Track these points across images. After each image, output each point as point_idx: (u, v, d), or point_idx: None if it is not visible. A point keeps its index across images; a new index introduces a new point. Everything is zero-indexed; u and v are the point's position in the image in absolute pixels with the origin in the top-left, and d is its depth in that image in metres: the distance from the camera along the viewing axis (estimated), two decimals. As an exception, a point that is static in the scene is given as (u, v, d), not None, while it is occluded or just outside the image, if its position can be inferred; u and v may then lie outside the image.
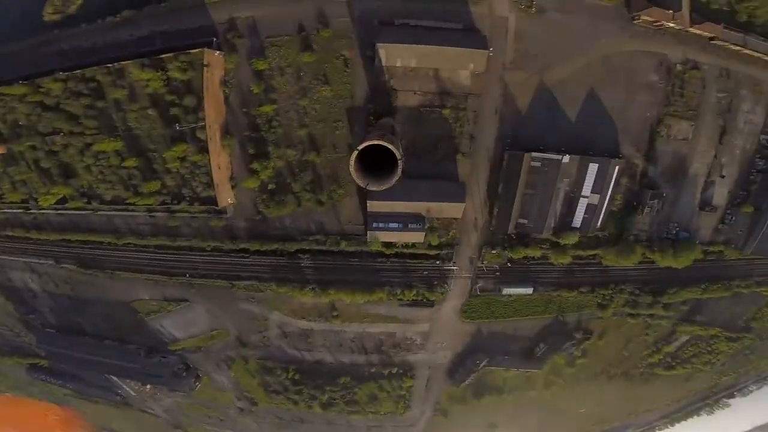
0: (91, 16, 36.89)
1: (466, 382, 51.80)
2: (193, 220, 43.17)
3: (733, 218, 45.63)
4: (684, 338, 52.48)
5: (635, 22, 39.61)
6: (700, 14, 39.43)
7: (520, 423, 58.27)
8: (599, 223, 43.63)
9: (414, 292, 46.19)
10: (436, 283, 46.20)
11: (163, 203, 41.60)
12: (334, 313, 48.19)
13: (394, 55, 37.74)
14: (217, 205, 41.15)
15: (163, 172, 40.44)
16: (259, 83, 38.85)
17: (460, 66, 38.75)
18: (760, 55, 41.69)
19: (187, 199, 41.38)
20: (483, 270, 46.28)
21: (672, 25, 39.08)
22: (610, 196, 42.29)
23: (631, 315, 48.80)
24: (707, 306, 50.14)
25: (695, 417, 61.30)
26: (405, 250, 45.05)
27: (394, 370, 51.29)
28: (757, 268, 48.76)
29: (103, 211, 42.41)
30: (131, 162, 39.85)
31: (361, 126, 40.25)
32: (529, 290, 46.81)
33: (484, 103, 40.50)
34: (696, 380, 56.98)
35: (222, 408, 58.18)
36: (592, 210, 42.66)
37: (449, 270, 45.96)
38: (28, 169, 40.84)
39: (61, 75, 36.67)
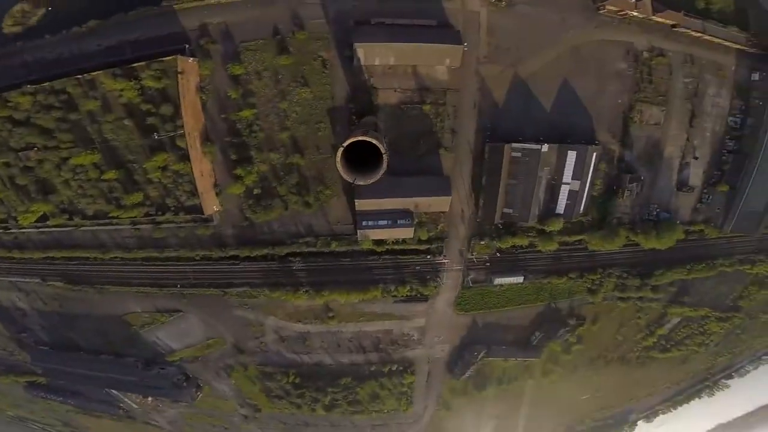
0: (55, 27, 33.24)
1: (466, 375, 48.50)
2: (179, 230, 39.39)
3: (710, 197, 43.83)
4: (675, 320, 49.96)
5: (600, 12, 37.90)
6: (662, 2, 38.02)
7: (523, 413, 54.73)
8: (582, 209, 41.51)
9: (407, 287, 43.16)
10: (428, 277, 43.25)
11: (147, 215, 37.78)
12: (330, 314, 44.57)
13: (372, 54, 35.29)
14: (202, 214, 37.60)
15: (144, 183, 36.70)
16: (236, 88, 35.70)
17: (437, 62, 36.52)
18: (719, 40, 40.22)
19: (172, 209, 37.66)
20: (473, 261, 43.49)
21: (635, 13, 37.50)
22: (590, 181, 40.22)
23: (621, 299, 46.34)
24: (694, 287, 47.91)
25: (697, 400, 57.98)
26: (396, 247, 42.07)
27: (394, 367, 47.82)
28: (737, 246, 46.64)
29: (86, 226, 38.40)
30: (111, 174, 35.93)
31: (344, 126, 37.33)
32: (520, 279, 44.14)
33: (462, 97, 38.09)
34: (692, 362, 54.35)
35: (226, 416, 53.51)
36: (573, 196, 40.47)
37: (440, 263, 43.12)
38: (4, 187, 36.77)
39: (29, 88, 32.88)
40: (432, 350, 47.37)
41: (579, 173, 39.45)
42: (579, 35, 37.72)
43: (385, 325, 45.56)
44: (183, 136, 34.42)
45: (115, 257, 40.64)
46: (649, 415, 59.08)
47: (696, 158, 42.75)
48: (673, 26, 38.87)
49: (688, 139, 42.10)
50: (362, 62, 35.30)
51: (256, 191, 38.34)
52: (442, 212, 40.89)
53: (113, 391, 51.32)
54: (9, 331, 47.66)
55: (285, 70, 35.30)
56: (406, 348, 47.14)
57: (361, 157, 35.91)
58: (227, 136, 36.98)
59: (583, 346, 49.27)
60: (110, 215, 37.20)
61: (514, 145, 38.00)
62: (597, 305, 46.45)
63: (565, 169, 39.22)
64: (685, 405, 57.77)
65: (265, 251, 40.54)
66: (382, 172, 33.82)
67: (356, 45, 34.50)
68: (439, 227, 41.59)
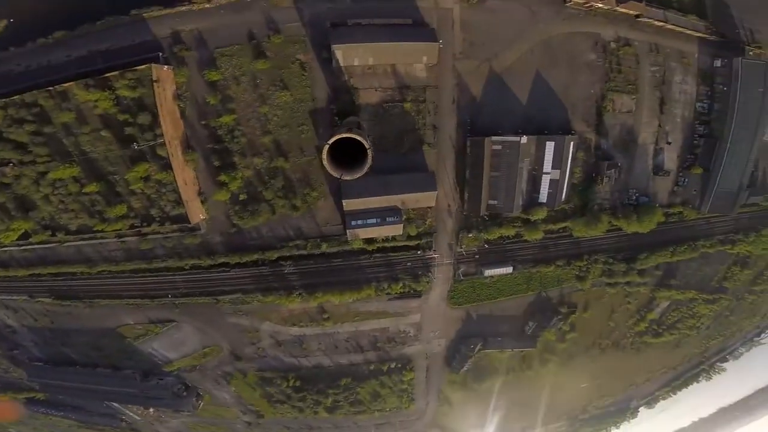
0: (19, 39, 28.83)
1: (465, 368, 43.98)
2: (166, 240, 34.75)
3: (686, 180, 40.65)
4: (664, 304, 46.14)
5: (567, 4, 35.09)
6: (625, -6, 35.06)
7: (524, 404, 49.59)
8: (563, 197, 38.25)
9: (400, 284, 39.04)
10: (420, 273, 39.23)
11: (132, 227, 33.24)
12: (325, 316, 39.98)
13: (351, 55, 31.88)
14: (189, 223, 33.25)
15: (127, 194, 32.21)
16: (214, 94, 31.68)
17: (414, 60, 33.12)
18: (681, 29, 37.65)
19: (157, 219, 33.19)
20: (463, 254, 39.60)
21: (600, 5, 34.86)
22: (570, 170, 37.12)
23: (609, 284, 42.61)
24: (679, 269, 44.34)
25: (695, 384, 53.40)
26: (386, 245, 38.06)
27: (393, 365, 43.17)
28: (717, 227, 43.37)
29: (70, 242, 33.54)
30: (92, 187, 31.42)
31: (327, 127, 33.54)
32: (509, 269, 40.26)
33: (441, 93, 34.73)
34: (685, 346, 50.24)
35: (229, 424, 47.80)
36: (555, 185, 37.30)
37: (431, 258, 39.11)
38: (-18, 207, 32.17)
39: (-2, 102, 28.76)
40: (429, 345, 42.98)
41: (558, 163, 36.48)
42: (548, 28, 34.79)
43: (381, 323, 41.11)
44: (163, 144, 30.28)
45: (103, 271, 35.74)
46: (650, 401, 54.27)
47: (669, 143, 39.75)
48: (637, 16, 36.23)
49: (660, 125, 39.10)
50: (341, 63, 31.87)
51: (241, 197, 34.15)
52: (429, 207, 37.11)
53: (114, 403, 45.78)
54: (1, 349, 41.86)
55: (263, 74, 31.50)
56: (403, 345, 42.65)
57: (346, 156, 32.80)
58: (209, 143, 32.83)
59: (577, 333, 45.17)
60: (94, 229, 32.64)
61: (494, 138, 34.94)
62: (586, 292, 42.66)
63: (545, 159, 36.27)
64: (685, 390, 53.18)
65: (255, 256, 36.14)
66: (367, 166, 30.95)
67: (334, 46, 31.10)
68: (427, 222, 37.73)
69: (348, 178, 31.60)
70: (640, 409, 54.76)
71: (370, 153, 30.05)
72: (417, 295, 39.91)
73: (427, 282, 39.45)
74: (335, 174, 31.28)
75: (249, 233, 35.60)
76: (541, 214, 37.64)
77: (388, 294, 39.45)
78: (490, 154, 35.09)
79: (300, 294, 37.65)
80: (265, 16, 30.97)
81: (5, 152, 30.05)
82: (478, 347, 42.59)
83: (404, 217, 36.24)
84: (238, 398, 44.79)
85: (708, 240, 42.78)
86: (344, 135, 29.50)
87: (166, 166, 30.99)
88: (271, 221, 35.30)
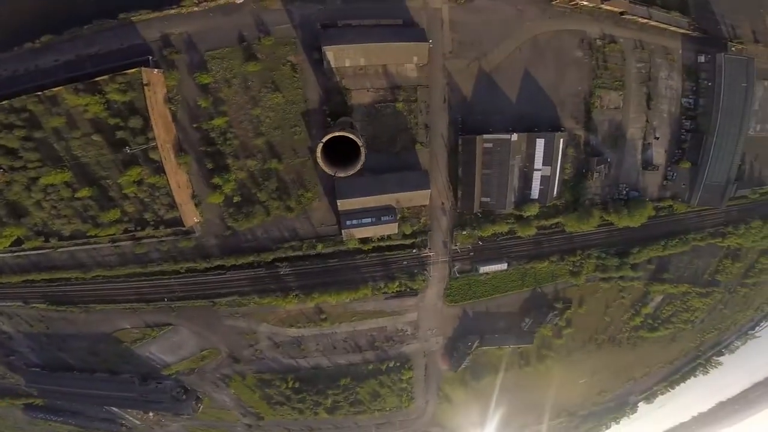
0: (5, 44, 28.02)
1: (463, 366, 43.30)
2: (160, 244, 34.01)
3: (674, 174, 40.72)
4: (658, 298, 45.92)
5: (553, 3, 35.01)
6: (609, -9, 35.26)
7: (523, 401, 48.94)
8: (555, 192, 38.04)
9: (397, 283, 38.51)
10: (416, 271, 38.70)
11: (126, 231, 32.43)
12: (322, 316, 39.26)
13: (342, 56, 31.48)
14: (183, 226, 32.44)
15: (120, 198, 31.42)
16: (206, 97, 31.07)
17: (405, 60, 32.80)
18: (665, 25, 37.78)
19: (151, 223, 32.40)
20: (458, 252, 39.13)
21: (585, 3, 34.81)
22: (560, 166, 36.99)
23: (603, 279, 42.44)
24: (671, 263, 44.28)
25: (693, 379, 53.18)
26: (381, 244, 37.51)
27: (392, 364, 42.45)
28: (707, 220, 43.40)
29: (64, 247, 32.71)
30: (84, 192, 30.64)
31: (319, 128, 33.02)
32: (504, 266, 39.85)
33: (432, 93, 34.38)
34: (681, 340, 50.02)
35: (229, 427, 46.74)
36: (546, 181, 37.14)
37: (426, 256, 38.59)
38: (-28, 214, 31.24)
39: (-14, 108, 27.92)
40: (427, 343, 42.30)
41: (549, 159, 36.30)
42: (535, 26, 34.67)
43: (378, 322, 40.40)
44: (156, 148, 29.60)
45: (98, 276, 34.87)
46: (649, 396, 53.96)
47: (657, 138, 39.77)
48: (622, 13, 36.30)
49: (647, 121, 39.12)
50: (332, 64, 31.44)
51: (235, 199, 33.48)
52: (423, 206, 36.71)
53: (113, 408, 44.50)
54: (-3, 355, 41.13)
55: (254, 76, 30.95)
56: (401, 344, 41.96)
57: (340, 155, 32.65)
58: (201, 146, 32.20)
59: (573, 329, 44.73)
60: (88, 234, 31.78)
61: (486, 136, 34.69)
62: (581, 287, 42.33)
63: (535, 156, 36.15)
64: (683, 384, 52.88)
65: (250, 258, 35.44)
66: (361, 163, 30.79)
67: (325, 48, 30.66)
68: (421, 221, 37.31)
69: (342, 175, 31.35)
70: (639, 404, 54.28)
71: (363, 150, 29.92)
72: (413, 293, 39.34)
73: (423, 280, 38.92)
74: (329, 171, 31.03)
75: (244, 235, 34.91)
76: (533, 211, 37.45)
77: (384, 293, 38.92)
78: (481, 152, 34.83)
79: (297, 295, 36.99)
80: (255, 19, 30.49)
81: (-5, 158, 29.70)
82: (476, 344, 41.99)
83: (399, 215, 35.81)
84: (238, 400, 43.81)
85: (699, 233, 42.74)
86: (337, 133, 29.45)
87: (159, 170, 30.29)
88: (265, 223, 34.65)
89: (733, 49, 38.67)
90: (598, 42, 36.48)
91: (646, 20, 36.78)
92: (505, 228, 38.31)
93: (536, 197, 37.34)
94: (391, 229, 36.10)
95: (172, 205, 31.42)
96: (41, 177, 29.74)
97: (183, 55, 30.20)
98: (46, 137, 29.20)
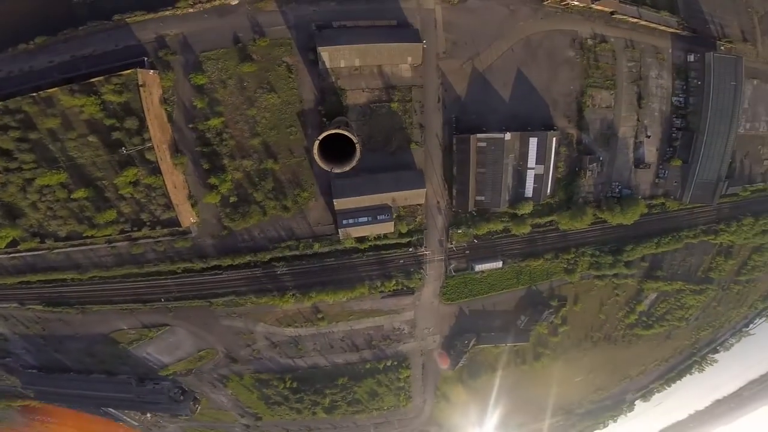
0: None
1: (460, 364, 42.99)
2: (157, 244, 33.63)
3: (666, 172, 40.81)
4: (653, 295, 45.83)
5: (545, 3, 35.18)
6: (599, -9, 35.53)
7: (521, 399, 48.49)
8: (548, 191, 38.11)
9: (393, 282, 38.25)
10: (412, 270, 38.50)
11: (122, 232, 32.17)
12: (319, 316, 38.97)
13: (337, 57, 31.51)
14: (180, 226, 32.27)
15: (116, 199, 31.15)
16: (201, 97, 30.91)
17: (400, 60, 32.82)
18: (655, 25, 37.99)
19: (148, 224, 32.13)
20: (453, 250, 38.97)
21: (576, 2, 35.02)
22: (554, 165, 37.08)
23: (597, 277, 42.37)
24: (665, 261, 44.26)
25: (689, 376, 52.77)
26: (378, 243, 37.29)
27: (389, 363, 42.13)
28: (699, 217, 43.43)
29: (60, 248, 32.28)
30: (80, 193, 30.32)
31: (315, 128, 32.89)
32: (499, 264, 39.78)
33: (427, 93, 34.38)
34: (676, 337, 49.81)
35: (227, 427, 46.25)
36: (539, 180, 37.19)
37: (422, 255, 38.38)
38: (-32, 215, 30.84)
39: (-19, 109, 27.54)
40: (424, 342, 42.06)
41: (542, 158, 36.41)
42: (528, 26, 34.79)
43: (375, 321, 40.16)
44: (152, 149, 29.36)
45: (94, 277, 34.42)
46: (645, 394, 53.71)
47: (648, 136, 39.88)
48: (612, 13, 36.52)
49: (638, 120, 39.19)
50: (327, 65, 31.46)
51: (232, 199, 33.27)
52: (419, 205, 36.61)
53: (110, 409, 43.74)
54: (-8, 357, 40.52)
55: (250, 77, 30.86)
56: (398, 342, 41.71)
57: (335, 154, 32.61)
58: (197, 146, 31.97)
59: (569, 327, 44.67)
60: (84, 235, 31.46)
61: (479, 135, 34.77)
62: (576, 285, 42.30)
63: (529, 155, 36.24)
64: (679, 382, 52.48)
65: (247, 258, 35.15)
66: (356, 159, 30.91)
67: (320, 49, 30.68)
68: (417, 219, 37.19)
69: (338, 171, 31.41)
70: (636, 402, 53.95)
71: (358, 147, 29.97)
72: (410, 292, 39.13)
73: (420, 279, 38.72)
74: (326, 167, 30.99)
75: (240, 235, 34.64)
76: (527, 209, 37.44)
77: (381, 292, 38.65)
78: (475, 151, 34.82)
79: (293, 294, 36.66)
80: (250, 20, 30.43)
81: (-10, 160, 29.34)
82: (472, 343, 41.71)
83: (395, 214, 35.61)
84: (236, 401, 43.32)
85: (691, 230, 42.75)
86: (334, 131, 29.55)
87: (155, 171, 30.04)
88: (262, 223, 34.40)
89: (722, 48, 38.96)
90: (590, 42, 36.67)
91: (636, 20, 37.01)
92: (499, 226, 38.28)
93: (530, 195, 37.42)
94: (387, 228, 36.06)
95: (169, 206, 31.17)
96: (37, 178, 29.40)
97: (178, 56, 30.05)
98: (42, 138, 28.90)
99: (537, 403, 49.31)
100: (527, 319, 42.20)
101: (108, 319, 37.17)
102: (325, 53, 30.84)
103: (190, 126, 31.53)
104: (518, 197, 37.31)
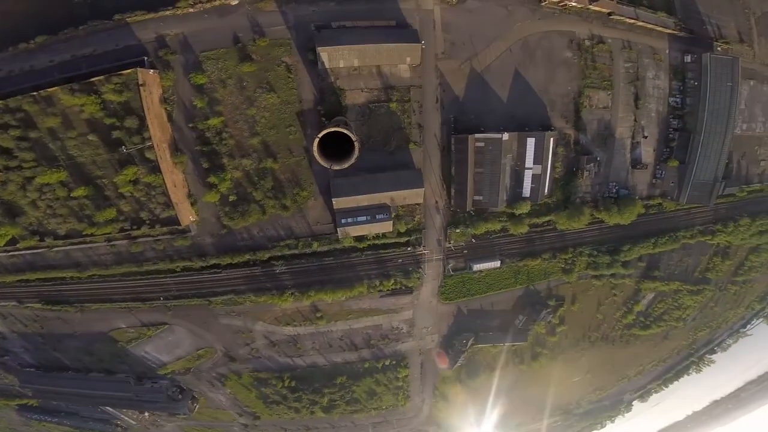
0: (0, 45, 27.62)
1: (459, 363, 42.89)
2: (156, 243, 33.66)
3: (663, 172, 40.92)
4: (650, 295, 45.89)
5: (542, 4, 35.35)
6: (597, -8, 35.70)
7: (519, 399, 48.34)
8: (546, 191, 38.15)
9: (392, 281, 38.30)
10: (411, 269, 38.54)
11: (122, 230, 32.11)
12: (318, 315, 38.97)
13: (336, 57, 31.62)
14: (179, 225, 32.26)
15: (116, 198, 31.13)
16: (201, 97, 30.99)
17: (398, 60, 32.94)
18: (652, 26, 38.15)
19: (147, 222, 32.07)
20: (452, 250, 39.02)
21: (574, 3, 35.19)
22: (551, 165, 37.12)
23: (595, 277, 42.45)
24: (662, 261, 44.32)
25: (686, 377, 52.60)
26: (377, 242, 37.32)
27: (387, 362, 42.11)
28: (696, 217, 43.50)
29: (59, 246, 32.30)
30: (80, 192, 30.32)
31: (314, 128, 32.94)
32: (497, 263, 39.80)
33: (425, 93, 34.50)
34: (674, 338, 49.83)
35: (225, 427, 46.17)
36: (537, 180, 37.27)
37: (421, 254, 38.44)
38: (-33, 214, 30.81)
39: (-19, 108, 27.55)
40: (422, 341, 42.06)
41: (539, 158, 36.49)
42: (525, 27, 34.96)
43: (374, 320, 40.18)
44: (151, 148, 29.41)
45: (93, 275, 34.44)
46: (643, 394, 53.62)
47: (645, 137, 40.01)
48: (609, 14, 36.68)
49: (635, 120, 39.36)
50: (327, 65, 31.60)
51: (231, 198, 33.30)
52: (417, 204, 36.76)
53: (108, 408, 43.86)
54: (-10, 355, 40.39)
55: (249, 76, 30.95)
56: (396, 342, 41.70)
57: (335, 154, 32.83)
58: (197, 145, 32.02)
59: (567, 327, 44.67)
60: (83, 233, 31.44)
61: (477, 135, 34.89)
62: (573, 285, 42.33)
63: (526, 155, 36.31)
64: (676, 383, 52.36)
65: (246, 257, 35.14)
66: (355, 156, 31.13)
67: (319, 49, 30.80)
68: (415, 219, 37.30)
69: (337, 167, 31.59)
70: (634, 402, 53.81)
71: (357, 144, 30.16)
72: (408, 291, 39.15)
73: (418, 278, 38.73)
74: (325, 164, 31.21)
75: (240, 234, 34.67)
76: (525, 208, 37.51)
77: (380, 291, 38.63)
78: (473, 151, 34.93)
79: (292, 293, 36.65)
80: (250, 20, 30.55)
81: (-10, 158, 29.32)
82: (470, 342, 41.66)
83: (393, 214, 35.69)
84: (234, 400, 43.22)
85: (688, 231, 42.79)
86: (333, 129, 29.79)
87: (155, 169, 30.08)
88: (261, 221, 34.44)
89: (718, 48, 39.14)
90: (587, 42, 36.82)
91: (633, 21, 37.19)
92: (497, 226, 38.32)
93: (528, 195, 37.47)
94: (385, 227, 36.11)
95: (168, 204, 31.17)
96: (36, 176, 29.41)
97: (178, 56, 30.14)
98: (42, 137, 28.92)
99: (535, 403, 49.20)
100: (525, 318, 42.17)
101: (107, 318, 37.13)
102: (325, 53, 31.00)
103: (190, 125, 31.61)
104: (516, 197, 37.41)
